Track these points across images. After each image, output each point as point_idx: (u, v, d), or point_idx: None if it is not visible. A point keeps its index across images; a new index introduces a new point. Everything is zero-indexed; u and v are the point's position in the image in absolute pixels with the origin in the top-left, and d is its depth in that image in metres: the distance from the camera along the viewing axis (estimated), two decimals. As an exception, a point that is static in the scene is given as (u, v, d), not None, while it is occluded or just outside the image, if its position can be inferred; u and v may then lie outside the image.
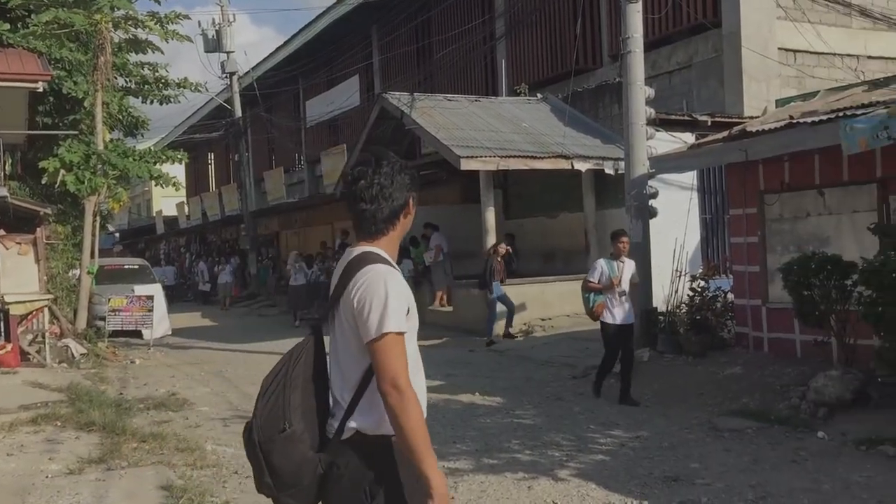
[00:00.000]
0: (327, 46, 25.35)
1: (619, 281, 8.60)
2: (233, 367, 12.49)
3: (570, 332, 13.26)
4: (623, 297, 8.65)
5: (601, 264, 8.85)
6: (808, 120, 8.61)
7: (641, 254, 10.82)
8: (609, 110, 15.09)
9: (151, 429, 7.88)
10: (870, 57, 15.19)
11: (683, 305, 10.70)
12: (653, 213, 11.01)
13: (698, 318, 10.36)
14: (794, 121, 8.84)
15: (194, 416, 8.72)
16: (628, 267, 8.79)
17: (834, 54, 14.91)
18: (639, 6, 10.75)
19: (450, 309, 15.81)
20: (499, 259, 13.72)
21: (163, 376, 11.77)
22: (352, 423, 2.54)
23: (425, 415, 2.51)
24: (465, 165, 13.43)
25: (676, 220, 11.99)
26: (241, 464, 6.61)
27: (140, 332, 15.18)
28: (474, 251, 15.71)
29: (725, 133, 10.40)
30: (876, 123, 7.62)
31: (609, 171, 14.01)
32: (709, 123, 13.49)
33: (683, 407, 8.16)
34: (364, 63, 25.19)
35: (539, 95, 17.18)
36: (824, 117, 8.42)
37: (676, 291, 10.99)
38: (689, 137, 13.23)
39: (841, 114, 8.22)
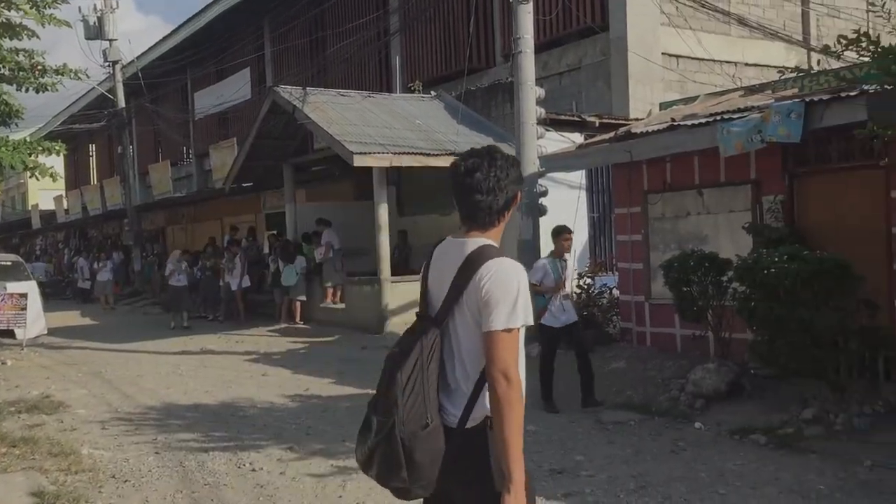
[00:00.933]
0: (217, 37, 24.67)
1: (564, 283, 8.10)
2: (112, 367, 11.98)
3: (462, 328, 13.34)
4: (566, 299, 8.18)
5: (544, 264, 8.17)
6: (689, 123, 8.96)
7: (531, 251, 11.00)
8: (501, 109, 15.27)
9: (23, 433, 7.47)
10: (747, 64, 15.91)
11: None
12: (543, 211, 11.21)
13: (585, 314, 10.60)
14: (676, 123, 9.18)
15: (70, 420, 8.31)
16: (570, 266, 8.35)
17: (714, 60, 15.56)
18: (529, 7, 10.91)
19: (342, 306, 15.67)
20: None
21: (37, 378, 11.17)
22: (477, 412, 2.62)
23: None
24: (359, 162, 13.32)
25: (565, 219, 12.21)
26: (119, 468, 6.35)
27: (12, 331, 14.35)
28: (367, 248, 15.61)
29: (612, 134, 10.71)
30: (750, 127, 8.01)
31: (501, 169, 14.14)
32: (597, 124, 13.84)
33: (570, 400, 8.33)
34: (255, 55, 24.65)
35: (433, 93, 17.22)
36: (703, 120, 8.78)
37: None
38: (578, 137, 13.54)
39: (719, 117, 8.58)
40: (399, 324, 13.99)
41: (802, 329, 6.64)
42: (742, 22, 15.60)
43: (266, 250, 20.19)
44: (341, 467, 6.25)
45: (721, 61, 15.69)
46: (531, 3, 10.94)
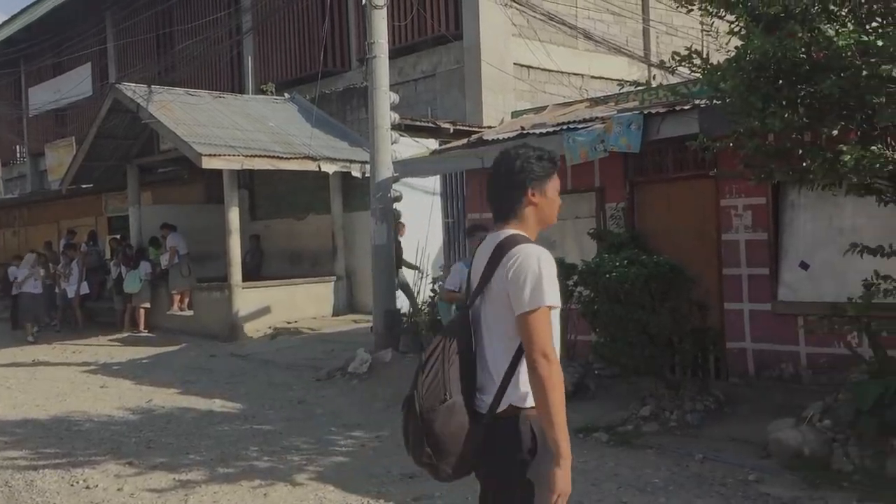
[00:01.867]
0: (55, 28, 23.24)
1: None
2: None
3: (316, 334, 13.18)
4: None
5: (461, 268, 7.49)
6: (537, 131, 9.22)
7: (386, 256, 11.00)
8: (357, 113, 15.21)
9: None
10: (593, 77, 16.58)
11: (425, 306, 11.00)
12: (397, 216, 11.22)
13: (438, 318, 10.68)
14: (525, 131, 9.43)
15: None
16: None
17: (562, 72, 16.13)
18: (384, 13, 10.91)
19: (190, 313, 15.09)
20: None
21: None
22: (506, 398, 2.71)
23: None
24: (207, 164, 12.89)
25: (420, 224, 12.36)
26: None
27: None
28: (218, 253, 15.13)
29: (465, 141, 10.87)
30: (594, 137, 8.33)
31: (356, 173, 14.11)
32: (451, 131, 14.01)
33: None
34: (97, 48, 23.38)
35: (287, 95, 16.93)
36: (551, 129, 9.06)
37: (419, 293, 11.29)
38: (432, 143, 13.66)
39: (566, 127, 8.89)
40: (251, 330, 13.64)
41: (640, 330, 6.96)
42: (588, 36, 16.27)
43: (108, 255, 19.14)
44: (184, 481, 6.00)
45: (569, 73, 16.28)
46: (385, 9, 10.95)
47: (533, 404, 2.70)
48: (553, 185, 2.92)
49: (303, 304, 14.43)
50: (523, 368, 2.72)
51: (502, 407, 2.72)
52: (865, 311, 5.98)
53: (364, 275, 13.33)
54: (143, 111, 14.05)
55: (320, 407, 8.63)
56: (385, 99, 11.00)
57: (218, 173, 13.86)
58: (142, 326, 15.34)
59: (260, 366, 11.39)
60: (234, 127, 14.30)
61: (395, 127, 11.51)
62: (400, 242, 12.18)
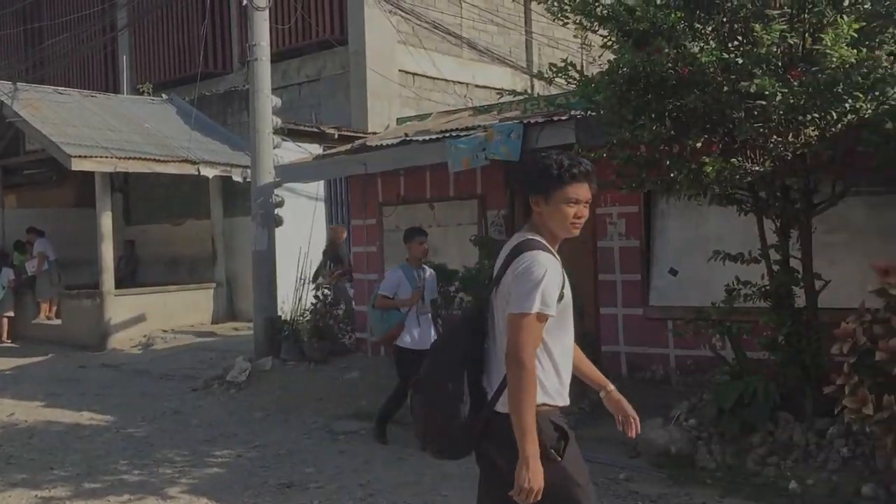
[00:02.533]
0: None
1: (423, 293, 6.91)
2: None
3: (193, 343, 12.77)
4: (424, 315, 6.91)
5: (398, 274, 6.98)
6: (420, 138, 9.27)
7: (267, 262, 10.80)
8: (238, 117, 14.87)
9: None
10: (477, 86, 16.84)
11: (307, 313, 10.86)
12: (279, 221, 11.03)
13: (321, 325, 10.57)
14: (409, 138, 9.46)
15: None
16: (430, 276, 7.14)
17: (447, 80, 16.30)
18: (266, 14, 10.73)
19: (58, 322, 14.34)
20: None
21: None
22: (505, 398, 2.80)
23: (561, 398, 2.92)
24: (77, 165, 12.30)
25: (303, 229, 12.19)
26: None
27: None
28: (89, 259, 14.44)
29: (349, 146, 10.81)
30: (476, 145, 8.44)
31: (237, 178, 13.79)
32: (336, 136, 13.94)
33: (303, 413, 8.25)
34: (-43, 42, 22.00)
35: (164, 96, 16.39)
36: (434, 136, 9.12)
37: (301, 299, 11.13)
38: (317, 148, 13.53)
39: (448, 134, 8.97)
40: (124, 339, 13.11)
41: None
42: (472, 46, 16.51)
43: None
44: (46, 498, 5.70)
45: (454, 81, 16.46)
46: (267, 11, 10.77)
47: (542, 401, 2.82)
48: (562, 195, 2.90)
49: (180, 311, 13.98)
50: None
51: (501, 407, 2.82)
52: (727, 314, 6.29)
53: (245, 281, 13.04)
54: (6, 109, 13.31)
55: (196, 417, 8.37)
56: (267, 102, 10.81)
57: (90, 176, 13.25)
58: (5, 336, 14.47)
59: (133, 376, 10.94)
60: (107, 128, 13.73)
61: (277, 131, 11.33)
62: (342, 247, 11.89)
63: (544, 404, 2.84)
